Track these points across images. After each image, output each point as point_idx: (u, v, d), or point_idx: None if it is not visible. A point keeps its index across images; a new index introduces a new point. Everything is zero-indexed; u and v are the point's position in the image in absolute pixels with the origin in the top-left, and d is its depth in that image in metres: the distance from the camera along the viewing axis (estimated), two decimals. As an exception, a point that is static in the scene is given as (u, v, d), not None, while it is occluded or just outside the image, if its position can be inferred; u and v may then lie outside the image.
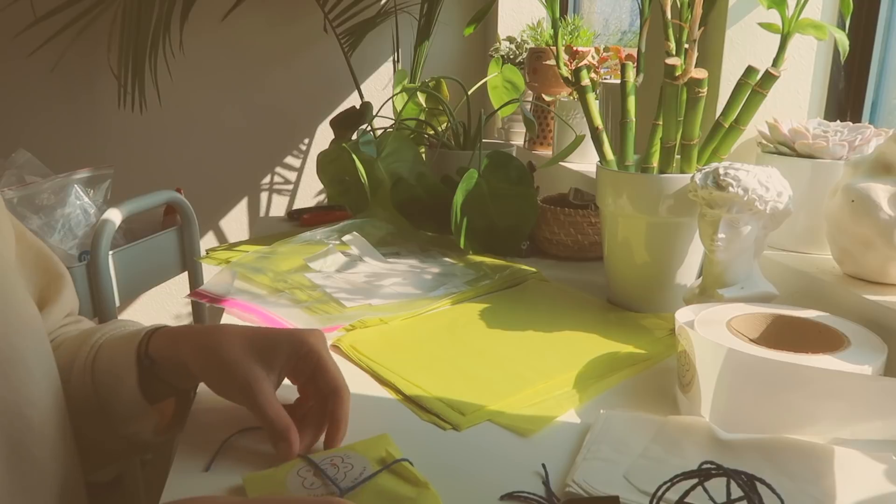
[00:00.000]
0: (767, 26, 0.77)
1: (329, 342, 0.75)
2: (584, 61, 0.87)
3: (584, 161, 1.32)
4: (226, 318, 0.81)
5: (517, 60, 1.70)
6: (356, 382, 0.66)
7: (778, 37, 0.75)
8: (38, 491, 0.49)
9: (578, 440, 0.55)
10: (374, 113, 1.36)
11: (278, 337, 0.56)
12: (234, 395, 0.55)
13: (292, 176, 2.43)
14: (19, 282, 0.52)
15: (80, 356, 0.58)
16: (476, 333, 0.77)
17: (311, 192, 2.45)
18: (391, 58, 2.30)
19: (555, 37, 0.89)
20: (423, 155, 1.25)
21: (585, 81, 0.84)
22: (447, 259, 1.01)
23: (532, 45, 1.67)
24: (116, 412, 0.56)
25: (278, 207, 2.45)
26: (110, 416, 0.56)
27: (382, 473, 0.48)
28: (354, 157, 1.09)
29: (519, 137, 1.67)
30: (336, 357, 0.72)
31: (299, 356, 0.55)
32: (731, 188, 0.66)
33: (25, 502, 0.48)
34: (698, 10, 0.73)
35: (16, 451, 0.47)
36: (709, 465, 0.41)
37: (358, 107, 1.42)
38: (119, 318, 0.65)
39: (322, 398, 0.55)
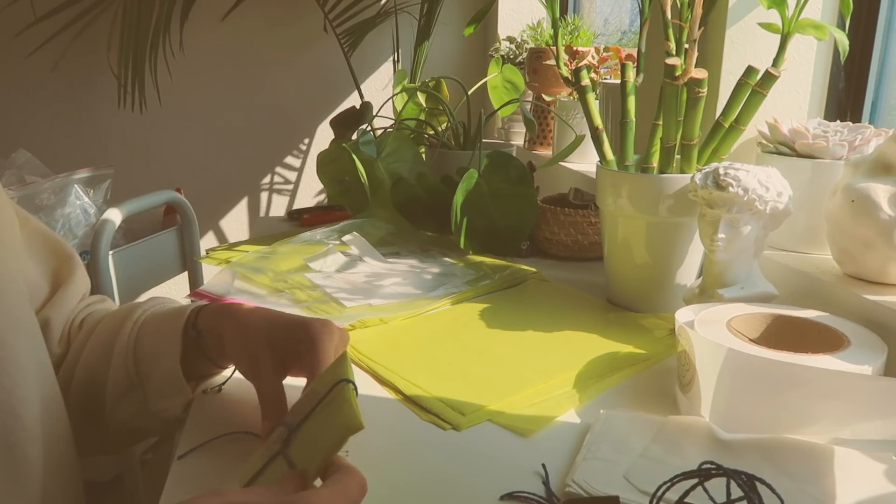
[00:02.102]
0: (767, 26, 0.77)
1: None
2: (584, 61, 0.87)
3: (584, 161, 1.32)
4: (226, 318, 0.81)
5: (517, 60, 1.70)
6: (356, 382, 0.66)
7: (778, 37, 0.75)
8: (34, 491, 0.49)
9: (578, 440, 0.55)
10: (374, 113, 1.36)
11: (292, 323, 0.56)
12: (245, 372, 0.56)
13: (292, 176, 2.43)
14: (13, 282, 0.52)
15: (122, 334, 0.59)
16: (476, 333, 0.77)
17: (311, 192, 2.45)
18: (391, 58, 2.30)
19: (555, 37, 0.89)
20: (423, 155, 1.25)
21: (585, 81, 0.84)
22: (447, 259, 1.01)
23: (532, 45, 1.67)
24: (153, 387, 0.58)
25: (278, 207, 2.45)
26: (147, 390, 0.58)
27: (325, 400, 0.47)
28: (354, 157, 1.09)
29: (519, 137, 1.67)
30: (336, 357, 0.72)
31: (298, 342, 0.55)
32: (731, 188, 0.66)
33: (22, 503, 0.48)
34: (698, 10, 0.73)
35: (10, 452, 0.47)
36: (709, 465, 0.41)
37: (358, 107, 1.42)
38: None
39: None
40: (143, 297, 0.89)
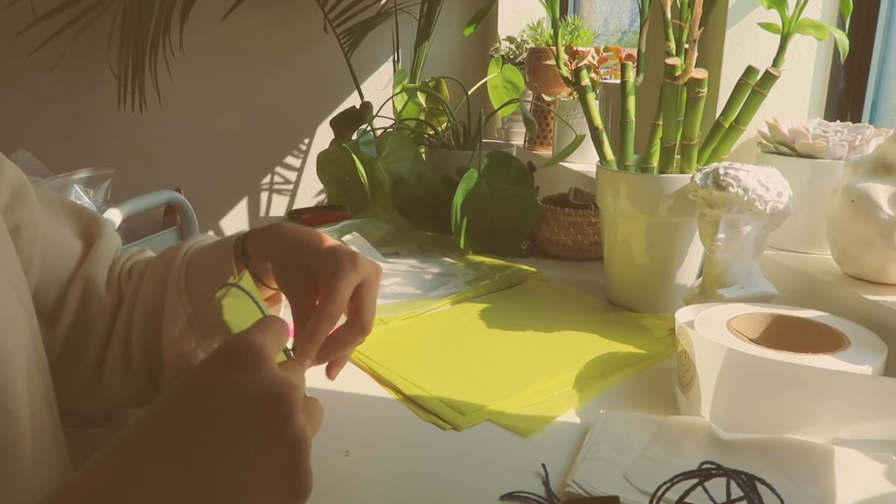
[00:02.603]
0: (767, 26, 0.77)
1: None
2: (584, 61, 0.87)
3: (584, 161, 1.32)
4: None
5: (517, 60, 1.70)
6: (356, 382, 0.67)
7: (778, 37, 0.75)
8: (28, 485, 0.49)
9: (578, 440, 0.55)
10: (374, 113, 1.36)
11: (322, 251, 0.56)
12: (282, 288, 0.58)
13: (292, 176, 2.43)
14: (6, 275, 0.52)
15: (171, 272, 0.60)
16: (476, 333, 0.77)
17: (311, 192, 2.45)
18: (391, 58, 2.30)
19: (555, 37, 0.89)
20: (423, 155, 1.25)
21: (585, 81, 0.84)
22: (447, 259, 1.01)
23: (532, 45, 1.67)
24: (209, 322, 0.59)
25: (278, 207, 2.45)
26: (202, 326, 0.59)
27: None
28: (354, 157, 1.09)
29: (519, 137, 1.67)
30: (336, 357, 0.72)
31: (324, 269, 0.55)
32: (731, 188, 0.66)
33: (16, 496, 0.48)
34: (698, 10, 0.73)
35: (3, 447, 0.47)
36: (709, 465, 0.41)
37: (358, 107, 1.42)
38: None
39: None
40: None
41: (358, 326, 0.55)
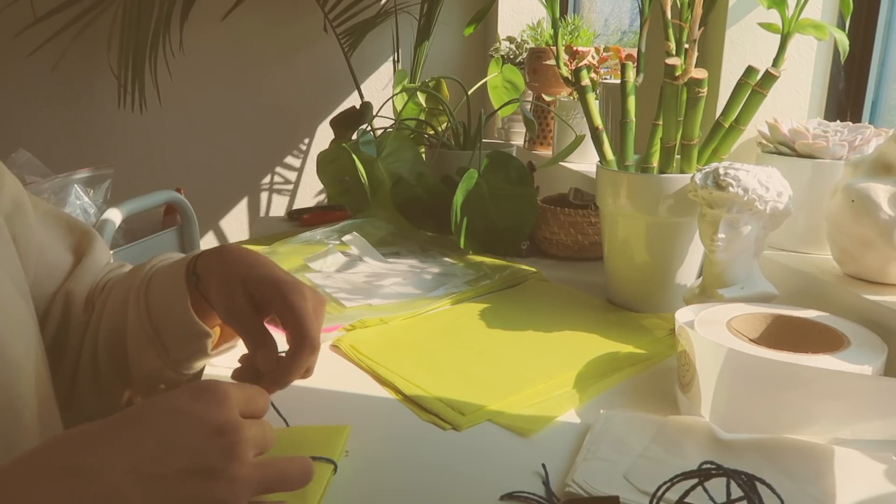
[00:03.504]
0: (767, 26, 0.77)
1: (329, 342, 0.75)
2: (584, 61, 0.87)
3: (584, 161, 1.32)
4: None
5: (517, 60, 1.70)
6: (356, 382, 0.67)
7: (778, 37, 0.75)
8: None
9: (578, 440, 0.55)
10: (374, 113, 1.36)
11: (265, 280, 0.55)
12: (224, 316, 0.55)
13: (292, 176, 2.43)
14: (8, 280, 0.52)
15: (133, 288, 0.59)
16: (476, 333, 0.77)
17: (311, 192, 2.45)
18: (391, 58, 2.30)
19: (555, 37, 0.89)
20: (423, 155, 1.25)
21: (585, 81, 0.84)
22: (447, 259, 1.01)
23: (532, 45, 1.67)
24: (171, 337, 0.57)
25: (278, 207, 2.45)
26: (166, 342, 0.58)
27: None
28: (354, 157, 1.09)
29: (519, 137, 1.67)
30: (336, 357, 0.72)
31: (271, 300, 0.54)
32: (731, 188, 0.66)
33: None
34: (698, 10, 0.73)
35: (8, 450, 0.47)
36: (709, 465, 0.41)
37: (358, 107, 1.42)
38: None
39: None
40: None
41: (308, 346, 0.52)
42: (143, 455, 0.36)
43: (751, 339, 0.60)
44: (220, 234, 2.45)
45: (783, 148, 0.83)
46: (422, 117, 1.31)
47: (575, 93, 0.88)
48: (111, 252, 1.21)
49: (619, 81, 0.83)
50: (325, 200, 2.13)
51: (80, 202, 1.37)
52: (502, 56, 1.72)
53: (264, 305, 0.54)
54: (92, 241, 0.65)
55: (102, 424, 0.38)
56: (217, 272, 0.56)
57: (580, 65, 0.85)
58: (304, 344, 0.51)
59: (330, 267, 0.95)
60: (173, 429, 0.37)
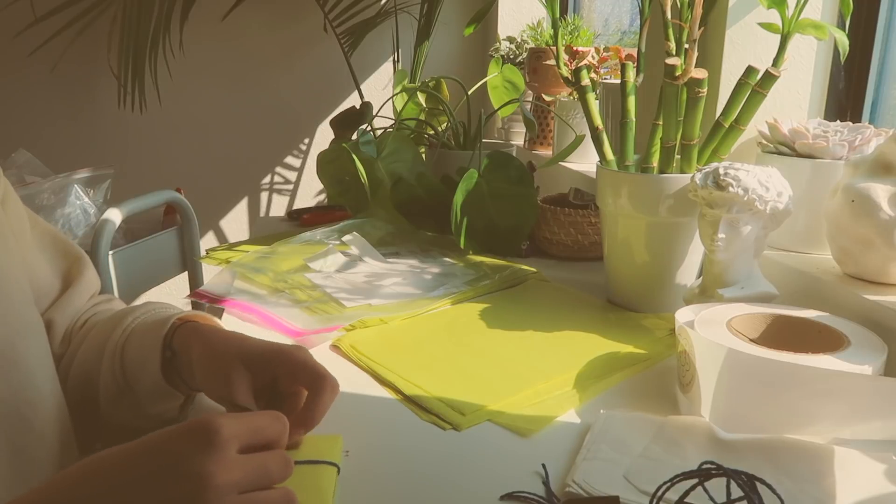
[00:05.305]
0: (767, 26, 0.77)
1: (329, 342, 0.75)
2: (584, 61, 0.87)
3: (584, 161, 1.32)
4: (226, 319, 0.81)
5: (517, 60, 1.70)
6: (356, 382, 0.67)
7: (778, 37, 0.75)
8: None
9: (578, 440, 0.55)
10: (374, 113, 1.36)
11: (266, 351, 0.56)
12: (217, 390, 0.55)
13: (292, 176, 2.43)
14: (20, 287, 0.52)
15: (111, 339, 0.59)
16: (476, 333, 0.77)
17: (311, 192, 2.45)
18: (391, 58, 2.30)
19: (555, 37, 0.89)
20: (423, 155, 1.25)
21: (585, 81, 0.84)
22: (447, 259, 1.01)
23: (532, 45, 1.67)
24: (143, 393, 0.58)
25: (278, 207, 2.45)
26: (138, 396, 0.58)
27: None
28: (354, 157, 1.09)
29: (519, 137, 1.67)
30: (336, 357, 0.72)
31: (294, 372, 0.55)
32: (731, 188, 0.66)
33: None
34: (698, 10, 0.73)
35: (17, 454, 0.47)
36: (709, 465, 0.41)
37: (358, 107, 1.42)
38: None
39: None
40: (142, 298, 0.89)
41: (330, 386, 0.54)
42: (122, 497, 0.38)
43: (751, 339, 0.60)
44: (220, 234, 2.45)
45: (783, 148, 0.83)
46: (422, 117, 1.31)
47: (575, 93, 0.87)
48: (111, 252, 1.22)
49: (619, 81, 0.83)
50: (325, 200, 2.13)
51: (80, 202, 1.37)
52: (502, 56, 1.72)
53: (261, 375, 0.55)
54: (82, 270, 0.64)
55: (102, 461, 0.39)
56: (204, 356, 0.55)
57: (580, 65, 0.85)
58: (325, 384, 0.53)
59: (330, 267, 0.95)
60: (155, 471, 0.38)
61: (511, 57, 1.72)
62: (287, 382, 0.55)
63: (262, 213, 2.45)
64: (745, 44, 0.92)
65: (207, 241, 2.41)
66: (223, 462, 0.38)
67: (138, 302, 0.69)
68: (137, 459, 0.39)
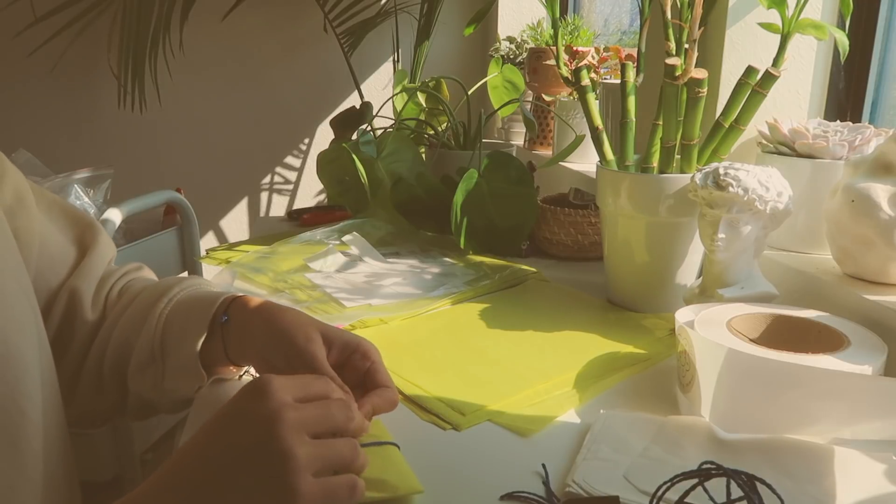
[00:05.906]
0: (767, 26, 0.77)
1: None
2: (584, 61, 0.87)
3: (584, 161, 1.32)
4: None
5: (517, 60, 1.70)
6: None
7: (778, 37, 0.75)
8: (38, 483, 0.49)
9: (578, 440, 0.55)
10: (374, 113, 1.36)
11: (351, 337, 0.60)
12: (293, 359, 0.57)
13: (292, 176, 2.43)
14: (13, 280, 0.52)
15: (157, 307, 0.61)
16: (476, 333, 0.77)
17: (311, 192, 2.45)
18: (391, 58, 2.30)
19: (555, 37, 0.89)
20: (423, 155, 1.25)
21: (585, 81, 0.84)
22: (447, 259, 1.01)
23: (532, 45, 1.67)
24: (171, 365, 0.59)
25: (278, 207, 2.45)
26: (165, 367, 0.60)
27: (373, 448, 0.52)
28: (354, 157, 1.09)
29: (519, 137, 1.67)
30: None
31: (355, 350, 0.58)
32: (731, 188, 0.66)
33: (27, 494, 0.48)
34: (698, 10, 0.73)
35: (14, 445, 0.48)
36: (709, 465, 0.41)
37: (358, 107, 1.42)
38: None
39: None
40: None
41: (389, 401, 0.57)
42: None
43: (751, 339, 0.60)
44: (220, 234, 2.45)
45: (783, 148, 0.83)
46: (422, 117, 1.31)
47: (575, 93, 0.87)
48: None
49: (619, 81, 0.83)
50: (325, 200, 2.13)
51: (80, 202, 1.37)
52: (502, 56, 1.72)
53: (335, 354, 0.58)
54: (97, 235, 0.65)
55: (182, 454, 0.43)
56: (272, 322, 0.58)
57: (580, 65, 0.85)
58: (389, 395, 0.57)
59: (330, 267, 0.95)
60: (229, 429, 0.43)
61: (511, 57, 1.72)
62: (351, 374, 0.58)
63: (262, 213, 2.45)
64: (745, 44, 0.92)
65: (207, 241, 2.41)
66: (283, 402, 0.42)
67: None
68: (210, 432, 0.43)
